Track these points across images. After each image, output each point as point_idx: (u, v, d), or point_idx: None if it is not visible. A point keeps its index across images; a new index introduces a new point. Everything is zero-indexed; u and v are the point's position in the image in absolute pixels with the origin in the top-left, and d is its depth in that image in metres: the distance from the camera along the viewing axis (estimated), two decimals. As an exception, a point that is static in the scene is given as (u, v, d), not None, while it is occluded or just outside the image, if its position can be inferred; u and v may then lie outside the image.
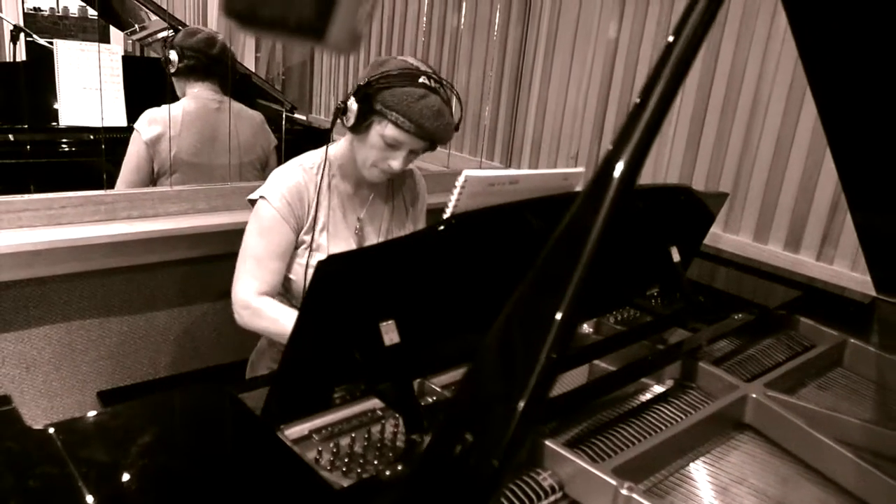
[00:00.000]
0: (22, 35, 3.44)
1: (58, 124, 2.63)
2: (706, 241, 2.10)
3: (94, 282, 1.87)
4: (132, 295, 1.94)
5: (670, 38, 0.57)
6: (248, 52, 4.31)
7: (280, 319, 1.46)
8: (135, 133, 2.16)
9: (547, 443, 0.94)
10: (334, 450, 0.93)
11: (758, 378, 1.21)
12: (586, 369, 1.28)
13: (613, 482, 0.88)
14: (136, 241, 1.83)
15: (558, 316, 0.49)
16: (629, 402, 1.16)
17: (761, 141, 2.04)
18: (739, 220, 2.11)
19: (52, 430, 0.80)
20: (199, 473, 0.80)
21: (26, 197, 1.75)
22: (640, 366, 1.21)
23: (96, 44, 2.65)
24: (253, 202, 1.57)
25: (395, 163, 1.52)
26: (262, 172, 2.39)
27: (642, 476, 0.96)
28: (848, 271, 1.89)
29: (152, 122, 2.16)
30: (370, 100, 1.47)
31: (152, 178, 2.19)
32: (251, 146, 2.36)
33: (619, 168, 0.55)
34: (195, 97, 2.24)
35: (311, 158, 1.62)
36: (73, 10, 6.63)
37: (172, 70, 2.23)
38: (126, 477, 0.75)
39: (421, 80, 1.46)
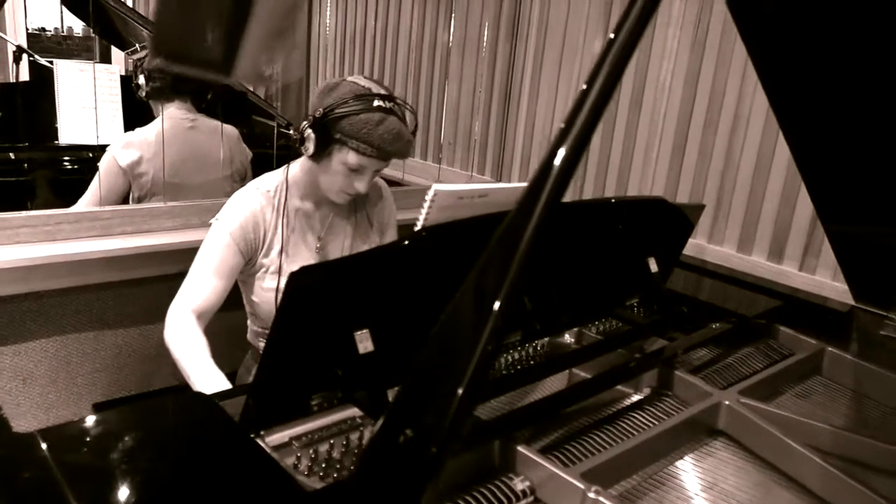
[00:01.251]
0: (25, 55, 3.50)
1: (58, 142, 2.68)
2: (690, 251, 2.14)
3: (89, 296, 1.90)
4: (126, 309, 1.98)
5: (611, 35, 0.62)
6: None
7: (186, 360, 1.42)
8: (110, 157, 2.18)
9: (520, 448, 0.97)
10: (313, 455, 0.96)
11: (733, 386, 1.24)
12: (566, 378, 1.31)
13: (581, 486, 0.90)
14: (130, 256, 1.87)
15: (495, 306, 0.52)
16: (606, 409, 1.19)
17: (743, 155, 2.07)
18: (724, 232, 2.15)
19: (38, 436, 0.83)
20: (177, 476, 0.83)
21: (24, 214, 1.80)
22: (617, 373, 1.24)
23: (95, 63, 2.70)
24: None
25: (361, 185, 1.55)
26: (243, 184, 2.43)
27: (612, 481, 0.99)
28: (830, 281, 1.92)
29: (128, 146, 2.19)
30: (328, 129, 1.48)
31: (125, 201, 2.23)
32: (228, 160, 2.40)
33: (563, 149, 0.59)
34: (169, 117, 2.29)
35: (269, 181, 1.64)
36: (78, 30, 6.72)
37: (142, 94, 2.29)
38: (108, 480, 0.79)
39: (376, 103, 1.47)
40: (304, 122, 1.50)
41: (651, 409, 1.19)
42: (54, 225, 1.82)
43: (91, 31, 6.49)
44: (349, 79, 1.53)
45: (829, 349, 1.43)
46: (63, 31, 6.64)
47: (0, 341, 1.80)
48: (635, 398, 1.23)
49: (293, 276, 0.86)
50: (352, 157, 1.49)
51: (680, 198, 2.23)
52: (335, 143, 1.49)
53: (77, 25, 6.69)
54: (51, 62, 2.82)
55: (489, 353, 0.51)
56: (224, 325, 1.64)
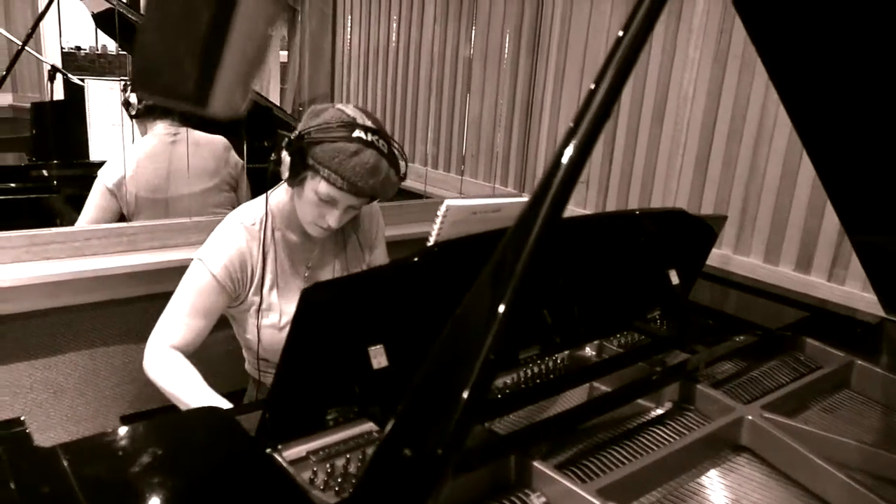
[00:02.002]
0: (59, 74, 3.60)
1: (88, 159, 2.75)
2: (716, 263, 2.11)
3: (116, 310, 1.94)
4: (153, 322, 2.01)
5: (620, 33, 0.61)
6: (273, 85, 4.44)
7: (176, 387, 1.41)
8: (98, 181, 2.24)
9: (536, 464, 0.96)
10: (329, 470, 0.97)
11: (757, 400, 1.22)
12: (585, 391, 1.30)
13: (598, 502, 0.89)
14: (156, 271, 1.90)
15: (500, 310, 0.52)
16: (625, 424, 1.17)
17: (768, 164, 2.04)
18: (749, 242, 2.12)
19: (59, 450, 0.85)
20: (193, 491, 0.84)
21: (53, 230, 1.84)
22: (637, 387, 1.23)
23: (123, 81, 2.76)
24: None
25: (331, 219, 1.47)
26: (235, 193, 2.48)
27: (630, 497, 0.98)
28: (859, 292, 1.88)
29: (112, 166, 2.24)
30: (303, 153, 1.40)
31: (120, 220, 2.27)
32: (215, 170, 2.42)
33: (570, 149, 0.59)
34: (153, 135, 2.35)
35: (252, 213, 1.55)
36: (111, 49, 6.88)
37: (133, 113, 2.35)
38: (124, 495, 0.80)
39: (356, 133, 1.39)
40: (283, 143, 1.43)
41: (672, 423, 1.17)
42: (83, 241, 1.86)
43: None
44: (338, 106, 1.45)
45: (858, 362, 1.40)
46: (98, 50, 6.81)
47: (31, 355, 1.84)
48: (656, 413, 1.22)
49: (307, 293, 0.86)
50: (322, 187, 1.42)
51: (704, 209, 2.20)
52: (308, 170, 1.42)
53: (111, 44, 6.85)
54: (82, 80, 2.89)
55: (493, 360, 0.51)
56: (221, 348, 1.67)
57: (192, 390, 1.39)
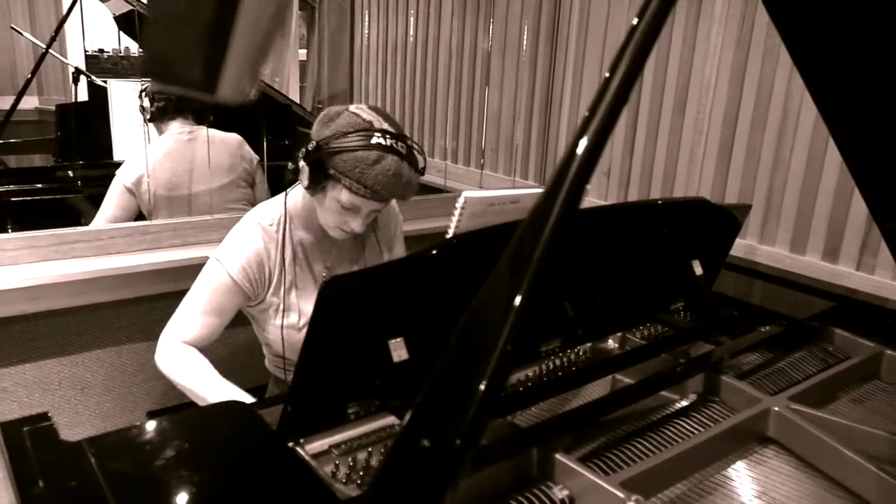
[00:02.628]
0: (82, 76, 3.65)
1: (112, 159, 2.78)
2: (741, 253, 2.08)
3: (142, 307, 1.96)
4: (178, 319, 2.03)
5: (635, 20, 0.60)
6: (293, 83, 4.46)
7: (190, 380, 1.41)
8: (116, 179, 2.28)
9: (558, 457, 0.96)
10: (351, 463, 0.97)
11: (784, 391, 1.20)
12: (608, 384, 1.29)
13: (621, 495, 0.88)
14: (179, 268, 1.92)
15: (516, 301, 0.52)
16: (649, 416, 1.16)
17: (793, 152, 2.01)
18: (775, 232, 2.08)
19: (84, 445, 0.86)
20: (216, 485, 0.85)
21: (79, 229, 1.87)
22: (661, 379, 1.21)
23: (144, 83, 2.79)
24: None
25: (355, 224, 1.46)
26: (252, 189, 2.51)
27: (654, 490, 0.97)
28: (890, 281, 1.84)
29: (130, 165, 2.28)
30: (322, 164, 1.38)
31: (139, 218, 2.30)
32: (231, 167, 2.44)
33: (586, 139, 0.58)
34: (169, 134, 2.39)
35: (270, 213, 1.54)
36: (134, 51, 6.96)
37: (148, 116, 2.40)
38: (148, 488, 0.81)
39: (374, 139, 1.36)
40: (300, 153, 1.41)
41: (697, 415, 1.16)
42: (107, 239, 1.88)
43: (146, 51, 6.69)
44: (351, 109, 1.43)
45: (889, 352, 1.37)
46: (120, 52, 6.89)
47: (59, 352, 1.87)
48: (680, 404, 1.20)
49: (325, 286, 0.86)
50: (345, 196, 1.40)
51: (728, 198, 2.17)
52: (329, 179, 1.40)
53: (134, 46, 6.93)
54: (105, 82, 2.93)
55: (510, 351, 0.51)
56: (242, 343, 1.67)
57: (205, 382, 1.40)
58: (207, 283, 1.49)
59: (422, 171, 1.47)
